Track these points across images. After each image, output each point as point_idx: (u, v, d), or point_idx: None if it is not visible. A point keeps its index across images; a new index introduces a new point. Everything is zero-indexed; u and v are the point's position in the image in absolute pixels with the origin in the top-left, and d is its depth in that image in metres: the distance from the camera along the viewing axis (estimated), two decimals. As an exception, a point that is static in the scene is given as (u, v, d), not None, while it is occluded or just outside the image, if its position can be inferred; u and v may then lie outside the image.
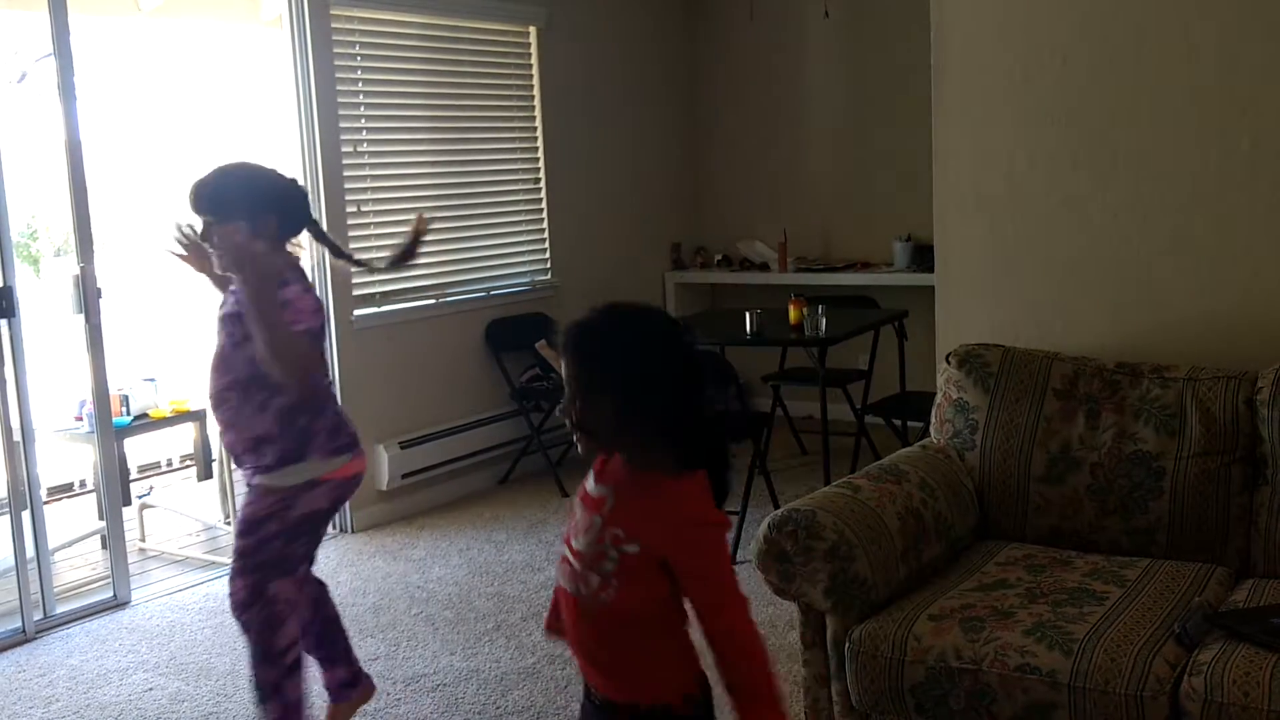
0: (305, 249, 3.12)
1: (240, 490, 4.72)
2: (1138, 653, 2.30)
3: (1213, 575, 2.68)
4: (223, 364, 2.78)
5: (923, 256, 5.80)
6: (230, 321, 2.76)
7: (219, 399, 2.79)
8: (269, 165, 2.82)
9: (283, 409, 2.73)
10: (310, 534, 2.84)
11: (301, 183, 2.83)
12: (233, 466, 4.70)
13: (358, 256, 3.27)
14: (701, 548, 1.75)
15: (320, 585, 3.10)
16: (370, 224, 5.14)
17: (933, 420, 3.17)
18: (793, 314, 4.90)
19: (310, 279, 2.88)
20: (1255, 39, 2.99)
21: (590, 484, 1.83)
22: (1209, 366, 2.92)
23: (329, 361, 2.95)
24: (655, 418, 1.71)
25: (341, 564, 4.60)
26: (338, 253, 3.11)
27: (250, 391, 2.73)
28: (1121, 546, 2.86)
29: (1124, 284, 3.22)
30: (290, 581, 2.81)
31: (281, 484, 2.75)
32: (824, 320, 4.75)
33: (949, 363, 3.16)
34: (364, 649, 3.75)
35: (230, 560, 2.85)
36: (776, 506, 3.00)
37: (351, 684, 3.14)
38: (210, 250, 2.75)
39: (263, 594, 2.77)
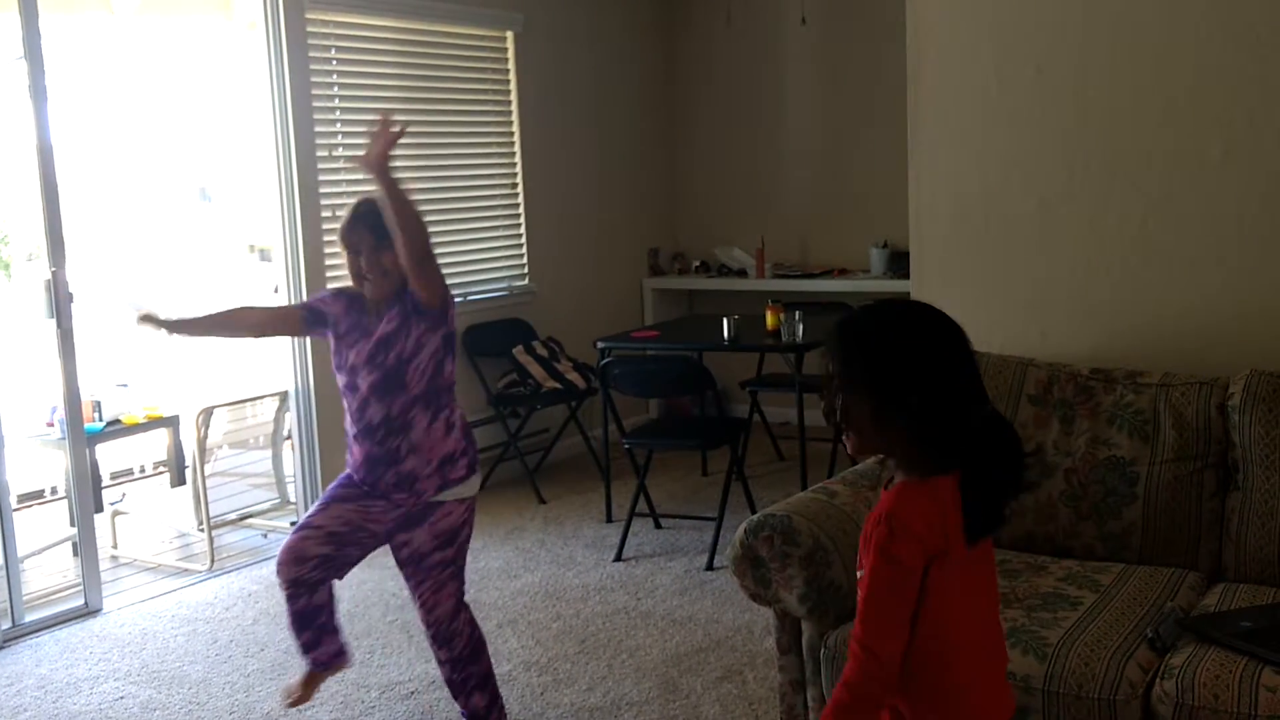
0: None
1: (215, 498, 4.71)
2: (1111, 657, 2.31)
3: (1185, 580, 2.70)
4: (395, 385, 2.82)
5: (899, 263, 5.82)
6: (394, 339, 2.83)
7: (400, 423, 2.83)
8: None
9: (464, 421, 2.93)
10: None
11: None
12: (206, 473, 4.66)
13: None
14: (873, 564, 1.66)
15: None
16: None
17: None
18: (770, 320, 4.92)
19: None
20: (1227, 49, 3.02)
21: None
22: (1182, 373, 2.94)
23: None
24: (915, 417, 1.66)
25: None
26: None
27: (433, 409, 2.85)
28: (1095, 551, 2.87)
29: (1098, 291, 3.24)
30: None
31: (471, 493, 2.95)
32: (801, 326, 4.76)
33: (924, 368, 3.17)
34: (338, 656, 3.73)
35: (427, 576, 2.95)
36: (754, 512, 3.00)
37: (341, 654, 3.20)
38: (368, 277, 2.83)
39: (463, 599, 3.00)
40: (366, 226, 2.80)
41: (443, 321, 2.87)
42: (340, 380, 2.94)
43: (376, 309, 2.89)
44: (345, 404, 2.94)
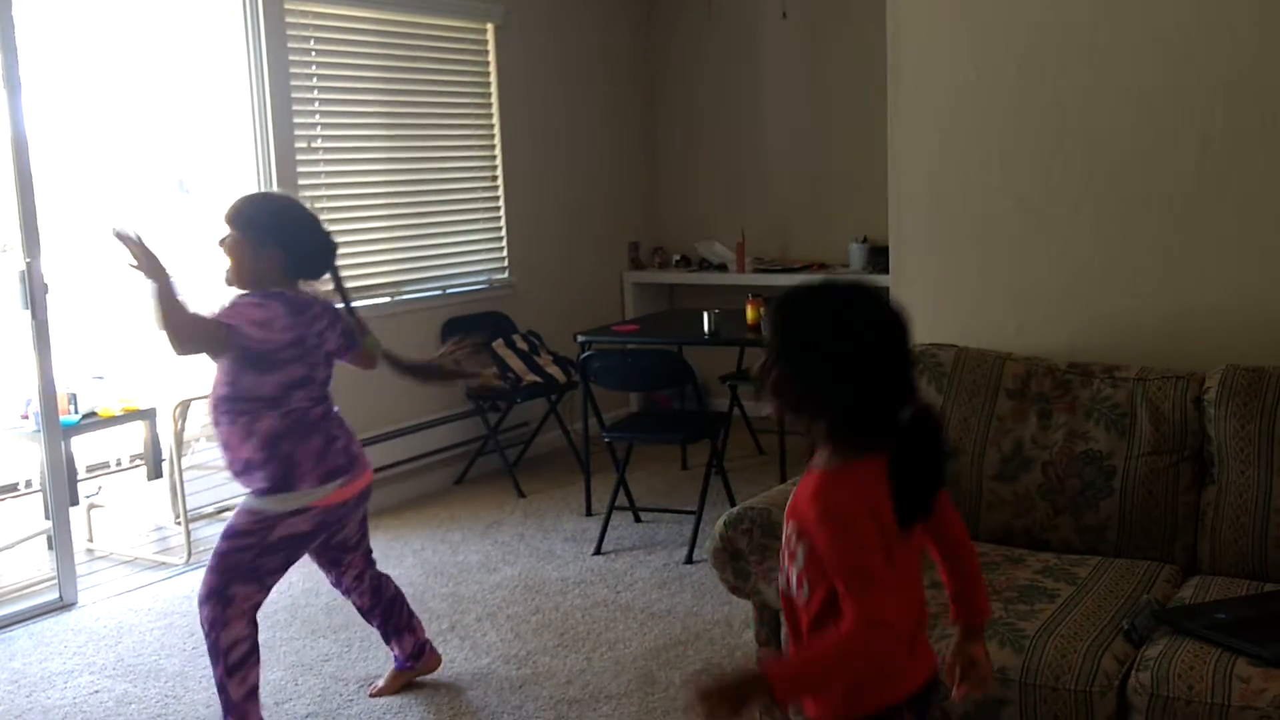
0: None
1: (192, 491, 4.68)
2: (1087, 649, 2.33)
3: (1161, 573, 2.72)
4: (216, 381, 2.91)
5: (878, 258, 5.83)
6: None
7: (213, 418, 2.93)
8: (312, 213, 3.09)
9: (267, 434, 2.86)
10: (287, 552, 2.98)
11: (329, 234, 3.10)
12: (183, 466, 4.64)
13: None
14: (834, 535, 1.65)
15: (380, 576, 3.33)
16: (325, 220, 5.07)
17: (887, 419, 3.18)
18: (750, 314, 4.92)
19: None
20: (1204, 46, 3.04)
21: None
22: (1159, 367, 2.96)
23: (315, 381, 2.98)
24: (844, 404, 1.67)
25: (294, 565, 4.54)
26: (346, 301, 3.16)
27: (234, 413, 2.87)
28: (1073, 544, 2.89)
29: (1076, 285, 3.26)
30: (256, 589, 2.96)
31: (266, 509, 2.90)
32: (781, 320, 4.76)
33: (903, 362, 3.18)
34: (316, 649, 3.72)
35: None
36: (733, 505, 3.00)
37: (417, 655, 3.38)
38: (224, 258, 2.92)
39: (222, 594, 2.92)
40: (233, 212, 2.94)
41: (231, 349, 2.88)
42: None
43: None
44: None
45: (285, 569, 3.02)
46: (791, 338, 1.70)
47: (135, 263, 2.74)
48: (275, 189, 3.01)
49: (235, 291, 2.91)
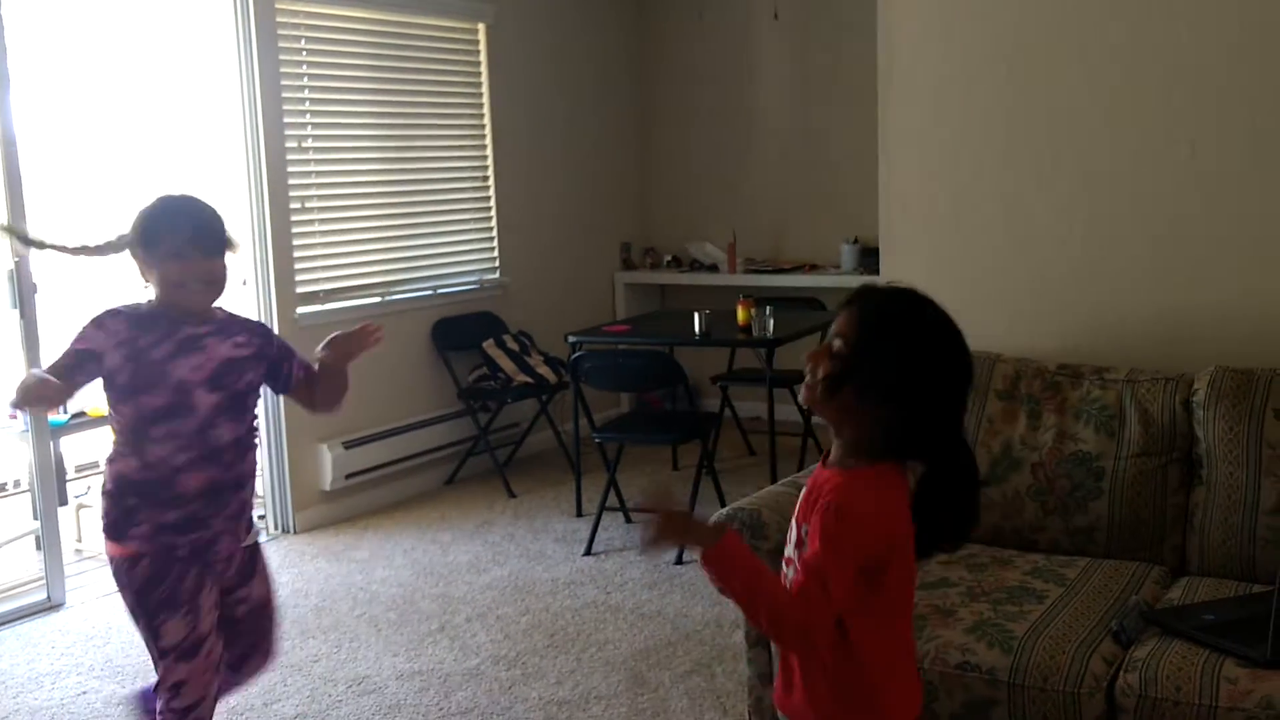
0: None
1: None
2: (1076, 650, 2.33)
3: (1149, 574, 2.72)
4: (243, 407, 2.50)
5: (869, 258, 5.84)
6: (245, 365, 2.49)
7: (229, 457, 2.47)
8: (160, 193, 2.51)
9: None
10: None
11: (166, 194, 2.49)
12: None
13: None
14: (826, 531, 1.62)
15: None
16: (315, 220, 5.08)
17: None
18: (741, 315, 4.92)
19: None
20: (1194, 49, 3.04)
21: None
22: (1148, 369, 2.96)
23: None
24: (913, 398, 1.64)
25: (284, 565, 4.54)
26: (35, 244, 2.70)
27: (252, 448, 2.55)
28: (1062, 545, 2.89)
29: (1065, 287, 3.27)
30: None
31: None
32: (772, 321, 4.77)
33: (893, 363, 3.19)
34: (306, 650, 3.71)
35: (271, 627, 2.64)
36: (723, 505, 3.00)
37: None
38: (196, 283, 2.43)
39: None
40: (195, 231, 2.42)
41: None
42: (147, 402, 2.42)
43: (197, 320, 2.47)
44: (151, 430, 2.41)
45: None
46: (883, 329, 1.67)
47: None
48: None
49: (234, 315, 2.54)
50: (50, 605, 4.17)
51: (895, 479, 1.67)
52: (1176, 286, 3.13)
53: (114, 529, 2.45)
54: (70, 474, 5.54)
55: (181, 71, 5.00)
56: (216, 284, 2.46)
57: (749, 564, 1.62)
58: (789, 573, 1.73)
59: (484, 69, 5.85)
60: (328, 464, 5.03)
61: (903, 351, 1.65)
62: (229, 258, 2.48)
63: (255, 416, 2.55)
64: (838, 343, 1.68)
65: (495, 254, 6.00)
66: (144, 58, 5.11)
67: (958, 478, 1.69)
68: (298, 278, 4.99)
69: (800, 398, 1.73)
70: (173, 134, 5.22)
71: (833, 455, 1.74)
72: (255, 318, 2.62)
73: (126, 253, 2.46)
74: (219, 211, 2.48)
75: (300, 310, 4.99)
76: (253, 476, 2.57)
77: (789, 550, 1.77)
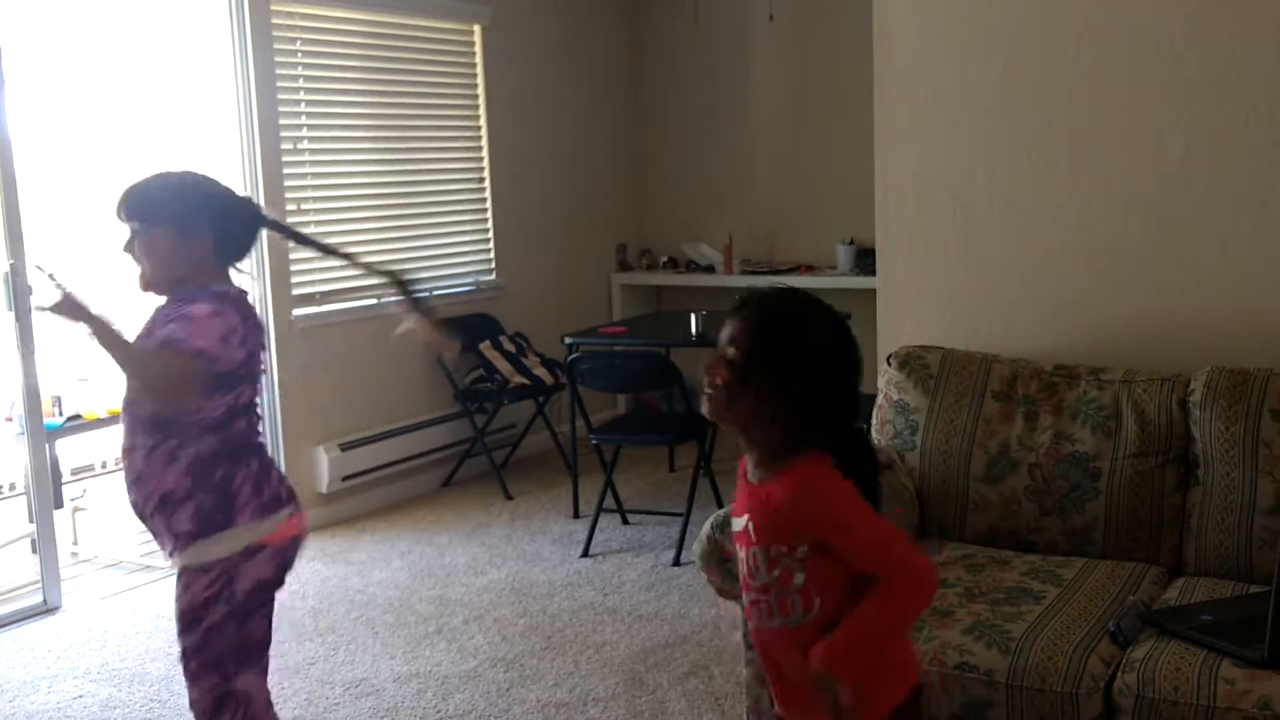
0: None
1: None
2: (1073, 651, 2.33)
3: (1147, 574, 2.72)
4: (133, 396, 2.33)
5: (865, 259, 5.84)
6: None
7: (127, 442, 2.32)
8: (218, 178, 2.41)
9: (194, 459, 2.26)
10: (263, 610, 2.37)
11: (249, 196, 2.43)
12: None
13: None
14: (848, 514, 1.70)
15: None
16: (310, 222, 5.07)
17: (873, 421, 3.19)
18: (737, 316, 4.91)
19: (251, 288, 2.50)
20: (1190, 50, 3.05)
21: (734, 524, 1.82)
22: (1144, 369, 2.97)
23: (257, 404, 2.41)
24: (799, 417, 1.72)
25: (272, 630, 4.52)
26: (302, 240, 2.74)
27: (156, 436, 2.28)
28: (1059, 546, 2.89)
29: (1062, 287, 3.27)
30: (258, 673, 2.38)
31: (209, 557, 2.26)
32: (768, 322, 4.76)
33: (890, 364, 3.19)
34: (302, 653, 3.70)
35: (180, 663, 2.36)
36: (720, 507, 3.00)
37: None
38: (136, 263, 2.34)
39: (231, 696, 2.33)
40: (132, 203, 2.33)
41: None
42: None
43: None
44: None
45: (270, 636, 2.41)
46: (774, 330, 1.71)
47: (48, 305, 2.24)
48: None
49: (155, 301, 2.36)
50: (46, 609, 4.16)
51: (821, 459, 1.73)
52: (1173, 287, 3.13)
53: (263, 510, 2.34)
54: (65, 477, 5.54)
55: (177, 73, 4.99)
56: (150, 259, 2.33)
57: (849, 636, 1.67)
58: (782, 593, 1.75)
59: (480, 70, 5.85)
60: (324, 466, 5.02)
61: (795, 349, 1.71)
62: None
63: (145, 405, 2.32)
64: (731, 350, 1.73)
65: (491, 256, 6.00)
66: (139, 59, 5.10)
67: (860, 463, 1.75)
68: (293, 280, 4.98)
69: (703, 410, 1.75)
70: (168, 135, 5.21)
71: (751, 470, 1.80)
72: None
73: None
74: (161, 175, 2.37)
75: (296, 312, 4.99)
76: (146, 477, 2.34)
77: (742, 573, 1.80)
